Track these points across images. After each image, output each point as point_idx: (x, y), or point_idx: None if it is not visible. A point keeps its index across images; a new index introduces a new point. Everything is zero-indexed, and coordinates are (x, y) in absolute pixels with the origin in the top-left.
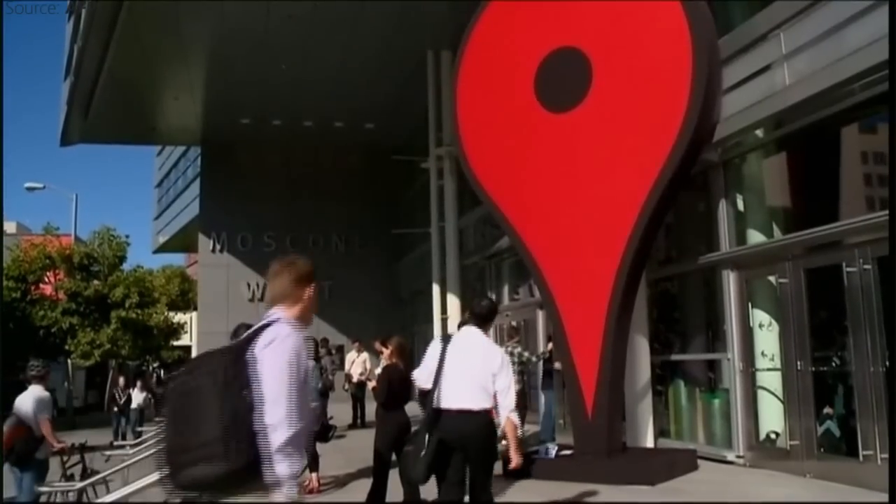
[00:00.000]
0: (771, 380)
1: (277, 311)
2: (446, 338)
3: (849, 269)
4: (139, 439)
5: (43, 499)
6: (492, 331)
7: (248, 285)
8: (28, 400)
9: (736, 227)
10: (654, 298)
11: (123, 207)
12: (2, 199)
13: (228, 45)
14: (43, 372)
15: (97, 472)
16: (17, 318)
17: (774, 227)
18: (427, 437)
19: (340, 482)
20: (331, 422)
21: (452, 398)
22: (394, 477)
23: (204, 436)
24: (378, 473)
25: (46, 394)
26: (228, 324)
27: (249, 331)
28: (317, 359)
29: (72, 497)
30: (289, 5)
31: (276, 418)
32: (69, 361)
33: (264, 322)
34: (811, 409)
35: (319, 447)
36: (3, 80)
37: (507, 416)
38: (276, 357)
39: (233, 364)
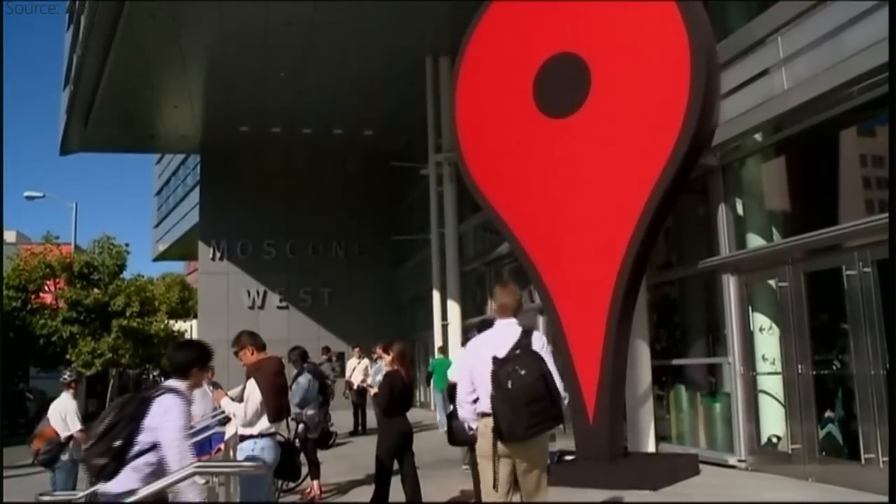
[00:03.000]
0: (772, 383)
1: (513, 320)
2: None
3: (848, 273)
4: None
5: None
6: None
7: (248, 293)
8: (57, 406)
9: (735, 230)
10: (654, 303)
11: (123, 216)
12: (1, 208)
13: (227, 52)
14: (69, 380)
15: None
16: (18, 327)
17: (774, 230)
18: None
19: (342, 489)
20: (332, 429)
21: None
22: (395, 484)
23: (556, 403)
24: (380, 480)
25: (73, 403)
26: (229, 332)
27: (517, 335)
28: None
29: None
30: (288, 13)
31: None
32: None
33: (523, 328)
34: (812, 413)
35: (321, 454)
36: (3, 87)
37: None
38: (549, 351)
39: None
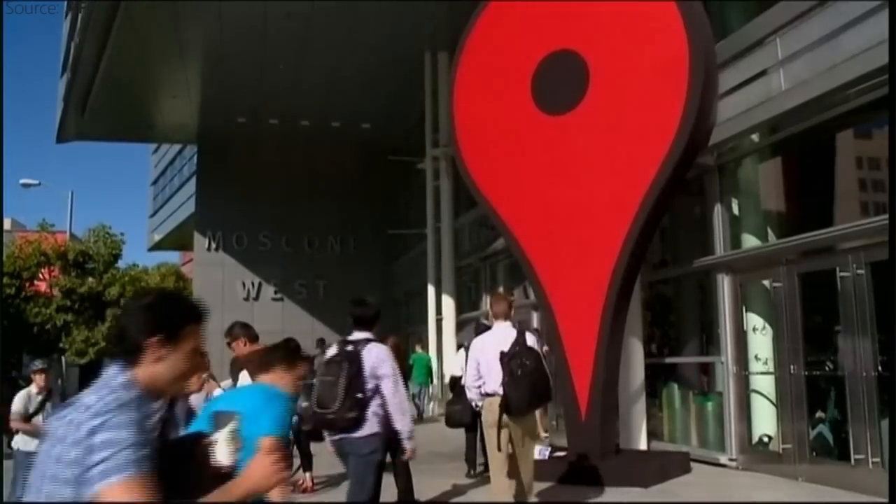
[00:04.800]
0: (764, 383)
1: (507, 323)
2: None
3: (842, 274)
4: None
5: None
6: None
7: (243, 284)
8: (19, 397)
9: (731, 231)
10: (648, 301)
11: (119, 205)
12: (2, 198)
13: (226, 43)
14: (37, 368)
15: None
16: (11, 314)
17: (769, 231)
18: None
19: (333, 482)
20: None
21: None
22: (387, 478)
23: (549, 386)
24: None
25: (22, 392)
26: (223, 322)
27: (514, 335)
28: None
29: None
30: (287, 5)
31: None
32: (63, 359)
33: (518, 330)
34: (804, 413)
35: (313, 447)
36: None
37: None
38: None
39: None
